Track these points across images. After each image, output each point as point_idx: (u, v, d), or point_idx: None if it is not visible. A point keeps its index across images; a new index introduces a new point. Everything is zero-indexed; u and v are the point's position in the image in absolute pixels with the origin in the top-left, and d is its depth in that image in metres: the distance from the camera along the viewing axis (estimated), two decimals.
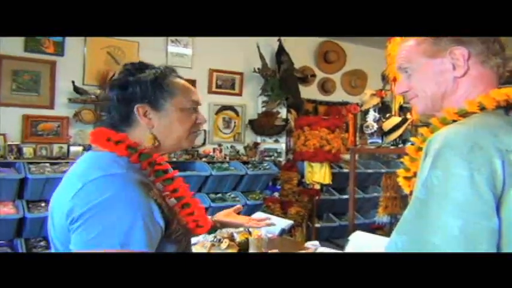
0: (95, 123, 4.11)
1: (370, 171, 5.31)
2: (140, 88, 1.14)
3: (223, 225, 1.68)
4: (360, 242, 2.36)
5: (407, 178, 1.04)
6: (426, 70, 0.98)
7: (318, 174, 4.67)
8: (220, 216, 1.66)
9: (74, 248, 0.98)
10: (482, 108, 0.91)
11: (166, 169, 1.18)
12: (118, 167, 1.04)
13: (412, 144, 1.04)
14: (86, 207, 0.96)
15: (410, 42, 1.00)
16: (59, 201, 1.05)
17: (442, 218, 0.77)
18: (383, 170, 5.22)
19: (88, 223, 0.96)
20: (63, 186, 1.06)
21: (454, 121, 0.92)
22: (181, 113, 1.17)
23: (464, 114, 0.92)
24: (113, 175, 1.01)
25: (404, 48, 1.01)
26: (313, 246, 2.54)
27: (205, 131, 4.90)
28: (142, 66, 1.20)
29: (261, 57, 5.01)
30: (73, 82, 4.08)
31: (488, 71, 0.95)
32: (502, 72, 0.97)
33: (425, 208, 0.81)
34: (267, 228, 2.46)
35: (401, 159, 1.07)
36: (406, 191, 1.05)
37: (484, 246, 0.76)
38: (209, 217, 1.64)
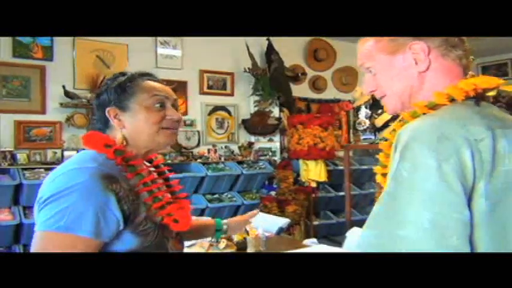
0: (88, 127, 4.09)
1: (364, 167, 5.32)
2: (107, 94, 1.26)
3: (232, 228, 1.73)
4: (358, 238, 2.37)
5: (384, 175, 1.01)
6: (389, 67, 0.97)
7: (313, 171, 4.69)
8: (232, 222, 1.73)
9: (36, 229, 1.09)
10: (452, 100, 0.89)
11: (136, 164, 1.23)
12: (91, 162, 1.14)
13: (386, 140, 1.03)
14: (51, 193, 1.08)
15: (370, 41, 1.00)
16: (38, 193, 1.15)
17: (412, 210, 0.76)
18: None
19: (48, 207, 1.07)
20: (45, 180, 1.16)
21: (425, 114, 0.91)
22: (146, 111, 1.24)
23: (433, 106, 0.90)
24: (81, 168, 1.12)
25: (365, 47, 1.01)
26: (312, 243, 2.55)
27: (198, 132, 4.90)
28: (118, 75, 1.31)
29: (251, 56, 5.02)
30: (63, 87, 4.05)
31: (451, 63, 0.95)
32: (465, 64, 0.96)
33: (395, 201, 0.79)
34: (264, 227, 2.48)
35: (377, 156, 1.05)
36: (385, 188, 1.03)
37: (455, 239, 0.74)
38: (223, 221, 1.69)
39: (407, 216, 0.76)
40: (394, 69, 0.97)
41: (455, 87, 0.90)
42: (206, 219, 1.81)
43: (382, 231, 0.79)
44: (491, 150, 0.79)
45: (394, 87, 0.98)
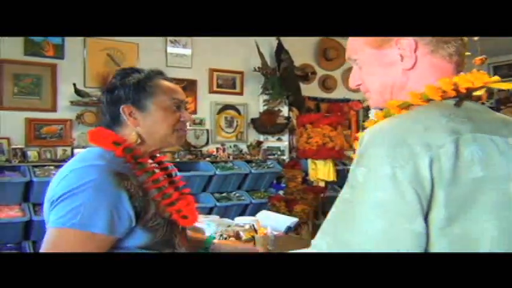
0: (97, 124, 4.12)
1: None
2: (124, 91, 1.25)
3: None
4: None
5: None
6: (374, 62, 0.91)
7: (322, 171, 4.67)
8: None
9: (48, 226, 1.11)
10: (428, 100, 0.84)
11: (145, 162, 1.25)
12: (100, 160, 1.15)
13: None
14: (63, 191, 1.09)
15: None
16: (48, 191, 1.16)
17: (365, 219, 0.72)
18: None
19: (61, 204, 1.09)
20: (54, 178, 1.17)
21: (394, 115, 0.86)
22: (164, 112, 1.25)
23: (407, 107, 0.85)
24: (92, 165, 1.13)
25: (354, 39, 0.96)
26: None
27: (207, 130, 4.91)
28: (131, 71, 1.30)
29: (261, 55, 5.01)
30: (74, 85, 4.08)
31: (440, 60, 0.87)
32: (457, 61, 0.89)
33: (349, 208, 0.76)
34: (273, 226, 2.48)
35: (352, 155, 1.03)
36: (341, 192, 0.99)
37: (406, 251, 0.71)
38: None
39: (360, 225, 0.73)
40: (379, 63, 0.91)
41: (432, 86, 0.84)
42: (201, 235, 1.76)
43: (335, 238, 0.76)
44: (452, 157, 0.72)
45: (376, 82, 0.92)
